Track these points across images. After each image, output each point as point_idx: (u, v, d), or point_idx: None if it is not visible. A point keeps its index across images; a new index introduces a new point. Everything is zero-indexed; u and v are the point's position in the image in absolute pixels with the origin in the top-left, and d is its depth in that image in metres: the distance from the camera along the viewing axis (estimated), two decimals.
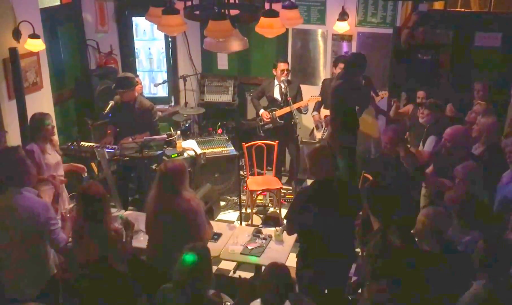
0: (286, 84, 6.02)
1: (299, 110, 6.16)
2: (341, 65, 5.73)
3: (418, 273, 2.92)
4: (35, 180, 3.63)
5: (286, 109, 6.05)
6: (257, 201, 6.16)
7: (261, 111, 6.23)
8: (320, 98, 6.16)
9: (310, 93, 6.35)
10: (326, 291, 3.88)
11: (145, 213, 3.76)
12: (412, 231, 3.32)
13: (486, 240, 2.71)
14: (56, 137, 4.67)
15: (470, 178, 3.67)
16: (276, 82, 6.16)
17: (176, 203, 3.51)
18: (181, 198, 3.53)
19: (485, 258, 2.64)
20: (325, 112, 6.12)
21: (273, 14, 3.28)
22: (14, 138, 4.86)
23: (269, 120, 6.15)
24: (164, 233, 3.57)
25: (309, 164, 3.71)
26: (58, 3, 5.97)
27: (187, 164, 5.20)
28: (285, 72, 6.05)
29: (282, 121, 6.13)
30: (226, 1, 3.40)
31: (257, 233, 4.42)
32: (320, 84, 6.70)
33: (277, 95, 6.18)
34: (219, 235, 4.39)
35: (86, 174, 4.94)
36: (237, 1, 3.52)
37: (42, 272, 3.47)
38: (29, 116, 4.94)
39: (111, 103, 5.49)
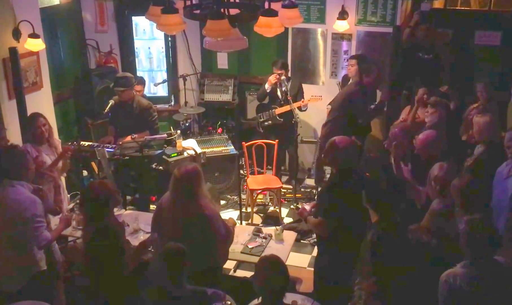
0: (286, 82, 6.03)
1: (298, 108, 6.17)
2: (352, 62, 5.92)
3: (414, 266, 2.96)
4: (32, 175, 3.65)
5: (286, 108, 6.05)
6: (257, 200, 6.17)
7: (266, 85, 6.12)
8: (321, 98, 6.17)
9: (310, 92, 6.35)
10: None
11: (157, 214, 3.70)
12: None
13: (470, 222, 2.79)
14: (56, 140, 4.64)
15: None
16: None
17: (190, 211, 3.46)
18: (195, 204, 3.46)
19: (468, 239, 2.75)
20: None
21: (272, 13, 3.26)
22: (14, 138, 4.86)
23: (277, 79, 6.04)
24: (180, 238, 3.43)
25: (331, 154, 3.67)
26: (58, 2, 5.96)
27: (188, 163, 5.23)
28: (278, 76, 6.01)
29: (282, 119, 6.14)
30: (225, 0, 3.40)
31: (257, 232, 4.42)
32: (321, 83, 6.72)
33: (278, 92, 6.18)
34: None
35: (70, 153, 4.79)
36: (237, 0, 3.52)
37: (26, 267, 3.48)
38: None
39: (111, 102, 5.50)
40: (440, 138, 4.32)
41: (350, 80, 6.05)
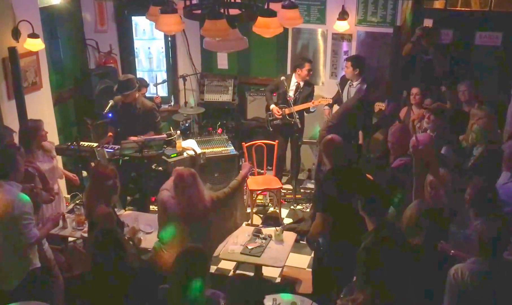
0: (303, 85, 6.09)
1: (306, 110, 6.17)
2: (347, 64, 5.98)
3: (411, 271, 2.96)
4: (21, 176, 3.65)
5: (296, 107, 6.05)
6: (257, 201, 6.16)
7: (272, 106, 6.21)
8: (330, 100, 6.17)
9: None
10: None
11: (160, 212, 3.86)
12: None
13: (491, 222, 2.84)
14: (48, 143, 4.62)
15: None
16: (294, 80, 6.14)
17: (192, 204, 3.67)
18: (198, 199, 3.68)
19: (487, 238, 2.78)
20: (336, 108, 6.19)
21: (271, 13, 3.25)
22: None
23: (280, 116, 6.17)
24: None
25: (326, 152, 3.82)
26: (57, 2, 5.96)
27: (188, 163, 5.23)
28: (311, 72, 6.10)
29: (292, 119, 6.14)
30: (225, 0, 3.38)
31: (257, 232, 4.42)
32: (320, 83, 6.71)
33: (290, 93, 6.14)
34: None
35: (79, 182, 4.98)
36: (237, 0, 3.51)
37: (21, 264, 3.50)
38: (29, 115, 4.96)
39: (111, 102, 5.50)
40: (435, 141, 4.34)
41: (349, 81, 6.06)
